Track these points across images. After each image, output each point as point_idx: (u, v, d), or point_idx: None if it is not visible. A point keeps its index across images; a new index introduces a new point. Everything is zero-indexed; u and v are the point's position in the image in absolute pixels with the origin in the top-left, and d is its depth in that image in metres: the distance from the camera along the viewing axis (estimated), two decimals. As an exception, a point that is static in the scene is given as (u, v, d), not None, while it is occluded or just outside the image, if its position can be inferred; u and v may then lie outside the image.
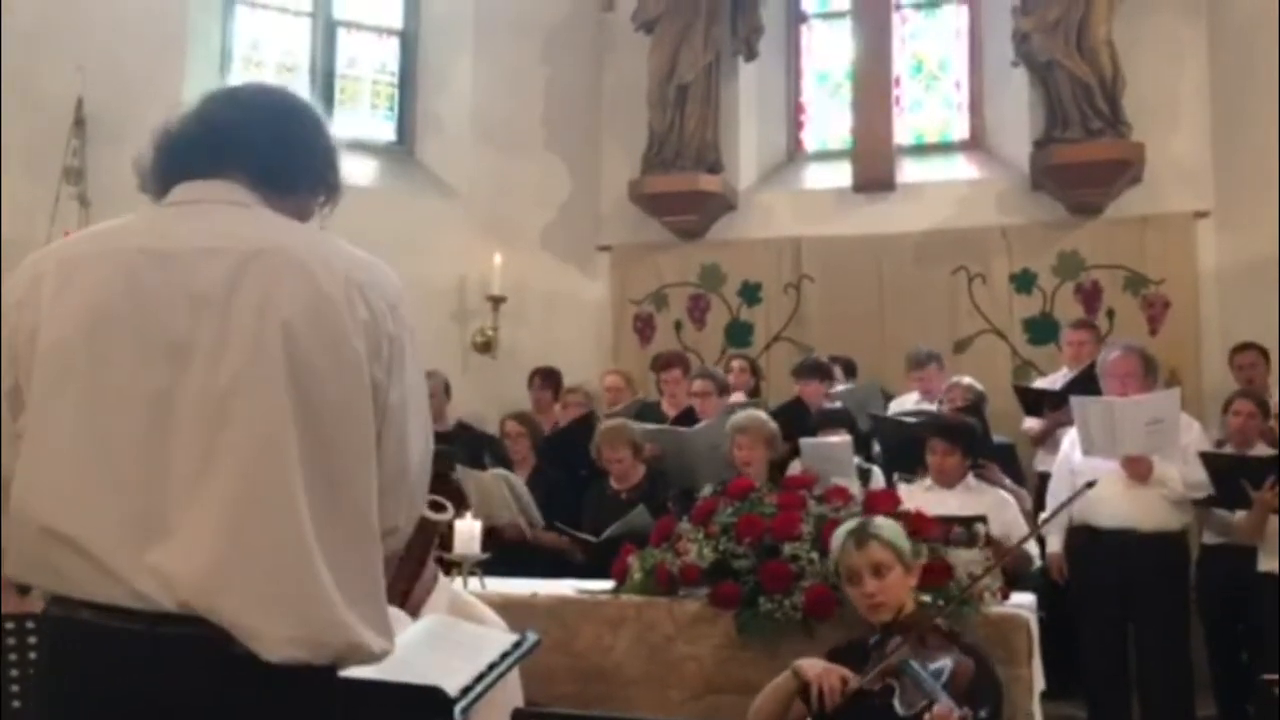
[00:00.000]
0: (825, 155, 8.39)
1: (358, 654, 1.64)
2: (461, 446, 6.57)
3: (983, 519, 4.23)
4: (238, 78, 7.82)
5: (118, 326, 1.62)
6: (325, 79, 8.16)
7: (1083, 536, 5.18)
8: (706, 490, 3.96)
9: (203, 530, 1.56)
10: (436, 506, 2.54)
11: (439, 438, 6.54)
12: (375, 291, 1.68)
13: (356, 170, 8.06)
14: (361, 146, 8.21)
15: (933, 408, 6.09)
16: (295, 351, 1.60)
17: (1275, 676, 2.18)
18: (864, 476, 4.88)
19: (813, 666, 2.78)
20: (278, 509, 1.57)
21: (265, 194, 1.76)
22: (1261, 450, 5.48)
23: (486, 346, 7.94)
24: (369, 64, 8.42)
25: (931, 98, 8.40)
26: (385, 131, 8.37)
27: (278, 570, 1.56)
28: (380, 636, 1.66)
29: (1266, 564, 4.86)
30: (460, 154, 8.19)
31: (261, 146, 1.76)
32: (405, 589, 2.49)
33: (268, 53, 8.09)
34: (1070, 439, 5.37)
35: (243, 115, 1.78)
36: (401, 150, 8.33)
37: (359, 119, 8.31)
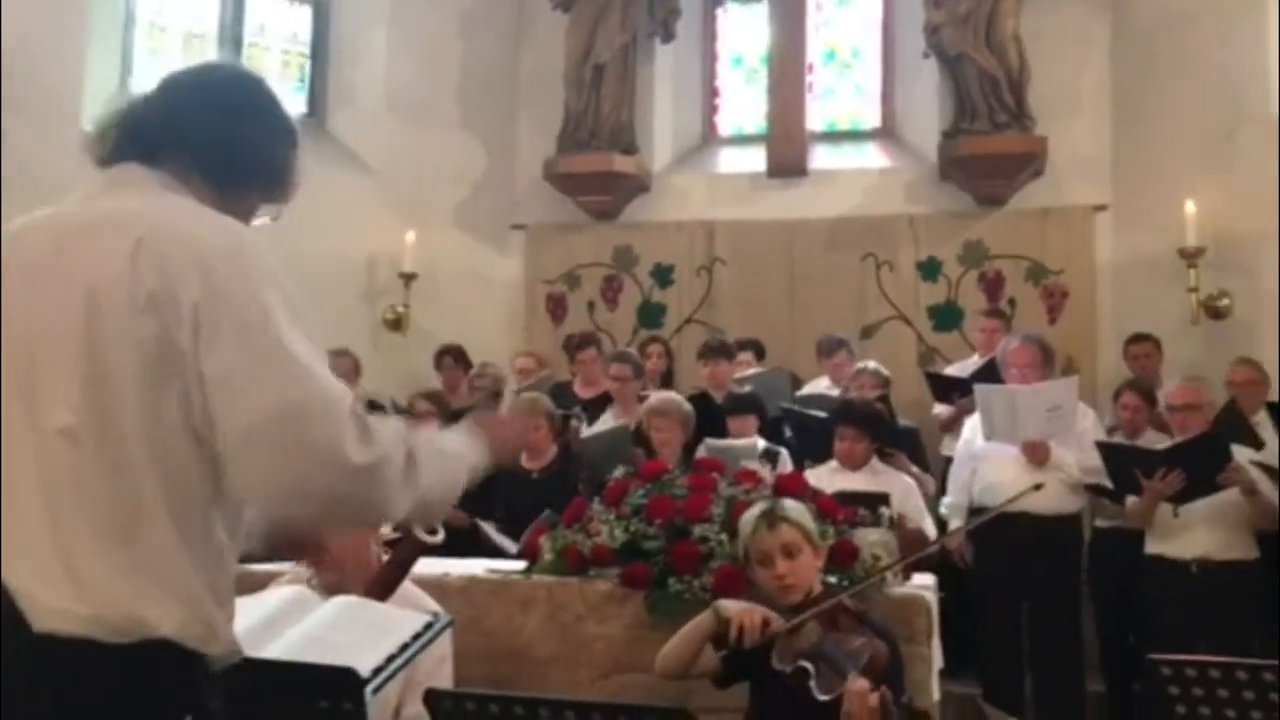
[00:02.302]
0: (739, 140, 8.46)
1: (141, 630, 1.58)
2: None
3: (885, 498, 4.36)
4: (142, 44, 7.60)
5: None
6: (234, 47, 7.97)
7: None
8: (618, 472, 3.98)
9: None
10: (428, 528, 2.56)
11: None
12: (180, 252, 1.63)
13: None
14: (271, 117, 8.05)
15: (842, 393, 6.18)
16: (87, 321, 1.62)
17: (1162, 656, 2.28)
18: (772, 460, 4.95)
19: (735, 604, 2.81)
20: (52, 482, 1.59)
21: (197, 187, 1.77)
22: (1151, 438, 5.69)
23: (397, 324, 7.87)
24: (279, 33, 8.25)
25: (844, 85, 8.52)
26: (295, 103, 8.20)
27: (43, 538, 1.58)
28: (176, 614, 1.61)
29: (1154, 547, 5.04)
30: (373, 128, 8.08)
31: (198, 147, 1.77)
32: (381, 596, 2.49)
33: (173, 19, 7.87)
34: (972, 425, 5.52)
35: (184, 119, 1.78)
36: (312, 122, 8.18)
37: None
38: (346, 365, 6.76)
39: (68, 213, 1.75)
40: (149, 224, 1.66)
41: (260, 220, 1.89)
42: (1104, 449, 5.08)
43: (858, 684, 2.51)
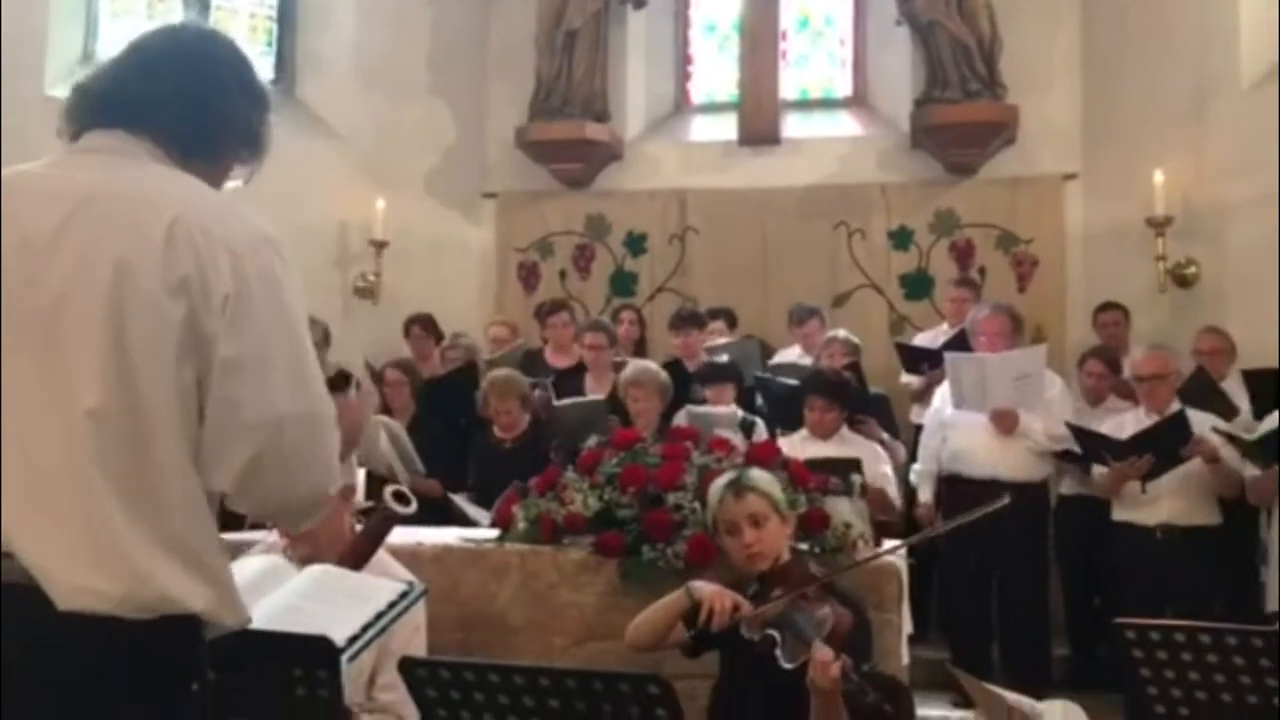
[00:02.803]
0: (712, 107, 8.43)
1: (171, 607, 1.60)
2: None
3: (857, 462, 4.43)
4: (106, 7, 7.48)
5: None
6: (200, 10, 7.85)
7: (952, 486, 5.39)
8: (592, 441, 4.00)
9: (14, 474, 1.58)
10: (400, 498, 2.56)
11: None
12: (211, 240, 1.63)
13: (233, 107, 7.79)
14: (238, 83, 7.95)
15: (814, 362, 6.21)
16: (114, 297, 1.59)
17: (1127, 620, 2.31)
18: (748, 430, 4.97)
19: (707, 586, 2.84)
20: (71, 459, 1.57)
21: (172, 153, 1.75)
22: (1114, 403, 5.77)
23: (369, 292, 7.82)
24: (246, -4, 8.14)
25: (817, 53, 8.49)
26: (263, 68, 8.09)
27: (72, 518, 1.56)
28: (203, 591, 1.63)
29: (1120, 514, 5.11)
30: (342, 95, 7.98)
31: (174, 111, 1.75)
32: (355, 567, 2.50)
33: (138, -20, 7.74)
34: (941, 394, 5.56)
35: (160, 83, 1.75)
36: (280, 89, 8.07)
37: (236, 54, 8.03)
38: (315, 334, 6.70)
39: (57, 177, 1.71)
40: (182, 205, 1.65)
41: (233, 184, 1.88)
42: (1074, 432, 5.14)
43: (820, 653, 2.53)
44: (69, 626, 1.55)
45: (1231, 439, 4.82)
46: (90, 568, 1.55)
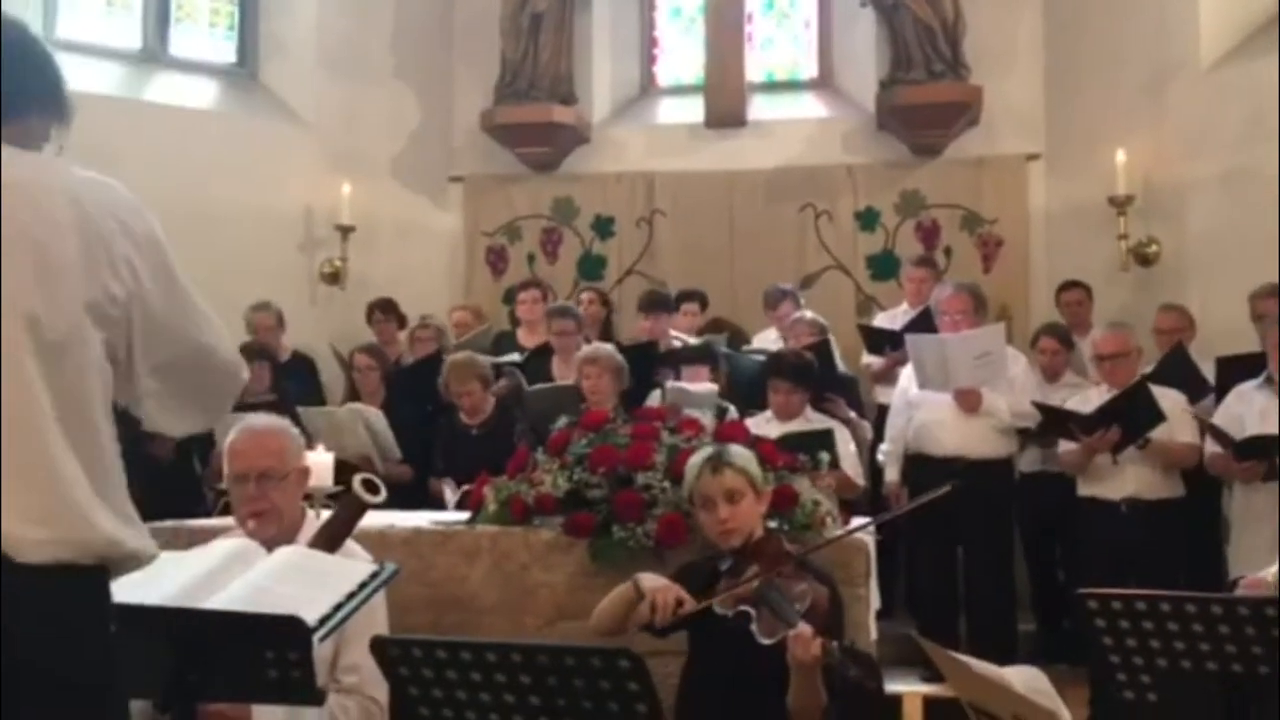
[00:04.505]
0: (678, 90, 8.43)
1: (116, 550, 1.76)
2: (297, 378, 6.49)
3: (830, 433, 4.49)
4: (64, -10, 7.39)
5: None
6: (159, -6, 7.77)
7: (917, 464, 5.44)
8: (561, 422, 4.00)
9: None
10: (370, 487, 2.55)
11: (277, 369, 6.34)
12: (102, 211, 1.78)
13: (194, 93, 7.72)
14: (199, 68, 7.88)
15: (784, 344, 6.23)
16: (24, 272, 1.70)
17: (1089, 590, 2.35)
18: (721, 414, 4.98)
19: (652, 581, 2.84)
20: (22, 424, 1.69)
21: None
22: (1070, 379, 5.84)
23: (335, 277, 7.78)
24: (207, -20, 8.05)
25: (782, 35, 8.50)
26: (225, 52, 8.03)
27: (28, 481, 1.68)
28: (139, 537, 1.81)
29: (1086, 489, 5.18)
30: (305, 79, 7.92)
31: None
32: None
33: (96, -35, 7.64)
34: (907, 374, 5.61)
35: None
36: (243, 73, 8.01)
37: (196, 39, 7.95)
38: (270, 318, 6.69)
39: None
40: (70, 183, 1.77)
41: (50, 150, 1.93)
42: (1041, 409, 5.19)
43: (802, 629, 2.55)
44: (28, 579, 1.65)
45: (1217, 434, 4.89)
46: (47, 525, 1.68)
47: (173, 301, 1.86)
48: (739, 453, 3.07)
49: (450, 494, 4.76)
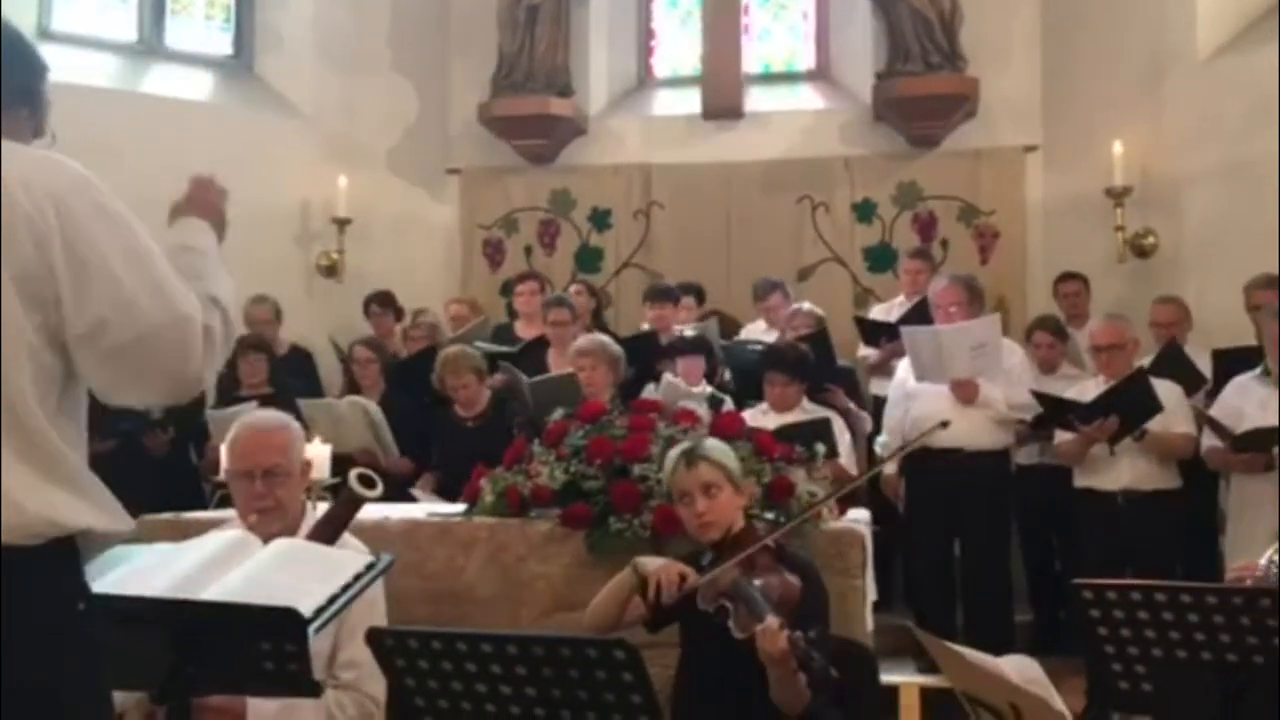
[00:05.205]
0: (675, 82, 8.42)
1: (56, 529, 1.73)
2: (294, 371, 6.50)
3: (827, 422, 4.47)
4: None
5: None
6: (155, -15, 7.76)
7: (914, 456, 5.44)
8: (558, 414, 4.00)
9: None
10: (366, 481, 2.55)
11: (275, 362, 6.33)
12: (32, 191, 1.72)
13: (191, 85, 7.71)
14: (196, 60, 7.87)
15: (779, 336, 6.23)
16: None
17: (1084, 580, 2.35)
18: (715, 405, 4.99)
19: (652, 562, 2.85)
20: None
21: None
22: (1067, 371, 5.85)
23: (332, 270, 7.78)
24: (203, -29, 8.04)
25: (779, 27, 8.50)
26: (221, 44, 8.02)
27: None
28: (98, 515, 1.77)
29: (1082, 480, 5.18)
30: (302, 71, 7.91)
31: None
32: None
33: (93, -43, 7.63)
34: (905, 366, 5.61)
35: None
36: (239, 65, 8.00)
37: (193, 31, 7.95)
38: (267, 311, 6.69)
39: None
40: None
41: (41, 144, 1.92)
42: (1039, 399, 5.20)
43: (767, 622, 2.55)
44: None
45: (1216, 428, 4.89)
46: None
47: (110, 273, 1.76)
48: (714, 446, 3.05)
49: (423, 496, 4.77)
